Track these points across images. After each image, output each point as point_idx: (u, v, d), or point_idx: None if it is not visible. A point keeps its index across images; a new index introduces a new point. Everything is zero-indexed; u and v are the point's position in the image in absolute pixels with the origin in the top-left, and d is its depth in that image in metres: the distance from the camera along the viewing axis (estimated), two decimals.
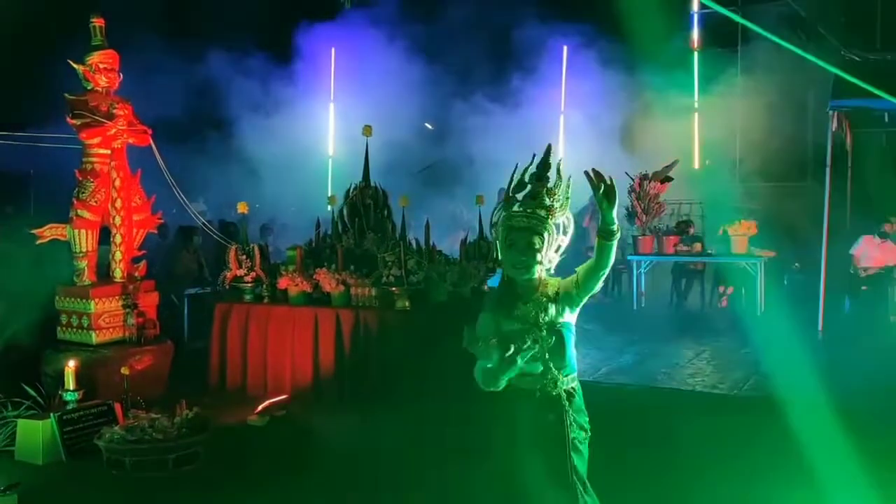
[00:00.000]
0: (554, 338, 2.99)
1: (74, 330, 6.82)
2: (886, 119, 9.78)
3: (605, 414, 6.28)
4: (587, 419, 3.12)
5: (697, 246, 11.62)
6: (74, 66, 6.95)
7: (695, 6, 17.79)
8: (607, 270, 3.01)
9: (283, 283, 7.29)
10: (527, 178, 3.07)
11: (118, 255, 7.05)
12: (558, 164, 3.09)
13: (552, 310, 3.01)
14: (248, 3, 15.87)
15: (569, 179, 3.09)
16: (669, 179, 12.32)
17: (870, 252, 10.52)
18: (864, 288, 10.39)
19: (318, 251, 7.70)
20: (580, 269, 3.04)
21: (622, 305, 12.23)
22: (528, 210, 3.02)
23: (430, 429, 5.69)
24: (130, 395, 5.89)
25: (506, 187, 3.11)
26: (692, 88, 17.99)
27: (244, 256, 7.36)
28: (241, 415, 6.34)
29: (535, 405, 3.00)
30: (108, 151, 6.95)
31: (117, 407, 5.79)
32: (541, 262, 3.04)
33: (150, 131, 7.10)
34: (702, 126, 17.96)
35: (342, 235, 7.72)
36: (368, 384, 6.70)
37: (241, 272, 7.36)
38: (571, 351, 3.08)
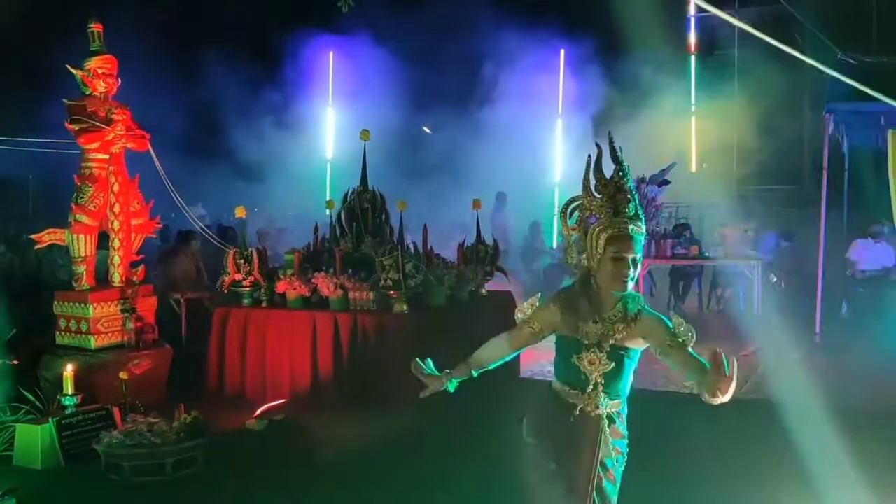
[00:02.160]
0: (613, 364, 2.82)
1: (73, 334, 6.83)
2: (882, 122, 9.78)
3: None
4: (626, 445, 2.97)
5: (694, 249, 11.63)
6: (73, 71, 6.97)
7: (691, 10, 17.84)
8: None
9: (281, 287, 7.30)
10: (609, 176, 2.83)
11: (116, 260, 7.06)
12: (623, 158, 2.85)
13: (623, 333, 2.81)
14: (245, 9, 15.90)
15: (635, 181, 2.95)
16: (667, 182, 12.34)
17: (865, 254, 10.58)
18: (860, 290, 10.41)
19: (317, 255, 7.72)
20: (685, 350, 2.83)
21: None
22: (627, 216, 2.79)
23: (429, 432, 5.71)
24: (129, 400, 5.89)
25: (586, 180, 2.86)
26: (689, 92, 18.03)
27: (242, 261, 7.37)
28: (239, 419, 6.33)
29: (572, 420, 2.85)
30: (107, 156, 6.97)
31: (116, 411, 5.80)
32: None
33: (148, 136, 7.12)
34: (699, 129, 18.01)
35: (340, 239, 7.74)
36: (367, 388, 6.71)
37: (239, 276, 7.36)
38: (628, 378, 2.91)
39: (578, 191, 2.94)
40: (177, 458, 5.16)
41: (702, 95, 18.02)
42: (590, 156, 2.88)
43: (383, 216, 7.87)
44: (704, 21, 17.83)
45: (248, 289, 7.38)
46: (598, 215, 2.83)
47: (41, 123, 11.96)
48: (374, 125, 8.33)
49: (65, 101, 6.97)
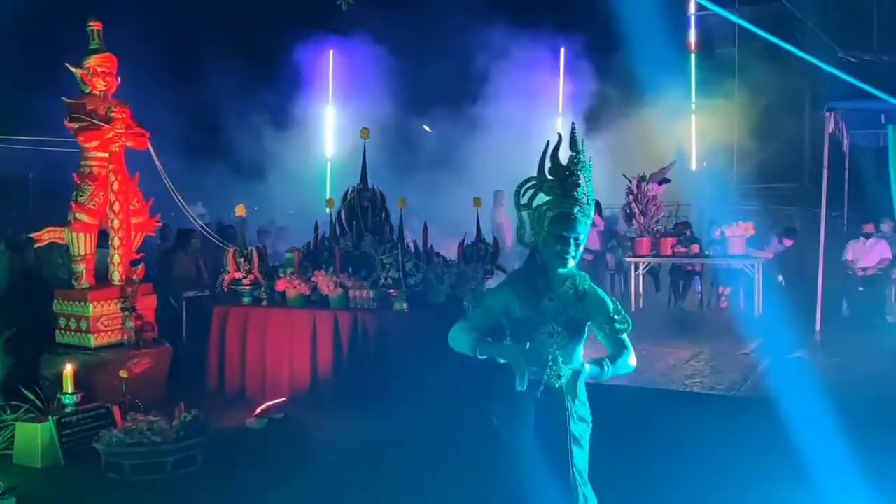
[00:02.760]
0: (569, 335, 3.00)
1: (73, 333, 6.82)
2: (883, 120, 9.78)
3: (603, 416, 6.34)
4: (589, 411, 3.13)
5: (695, 247, 11.63)
6: (72, 69, 6.95)
7: (692, 8, 17.83)
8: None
9: (281, 285, 7.29)
10: (563, 161, 2.99)
11: (116, 259, 7.05)
12: (581, 146, 3.01)
13: (576, 308, 3.00)
14: (245, 8, 15.89)
15: (590, 160, 3.02)
16: (667, 181, 12.35)
17: (860, 254, 10.60)
18: (860, 289, 10.42)
19: (317, 254, 7.71)
20: (619, 337, 3.10)
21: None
22: (573, 199, 2.94)
23: (429, 430, 5.70)
24: (129, 398, 5.88)
25: (540, 166, 3.02)
26: (689, 90, 18.03)
27: (242, 259, 7.37)
28: (239, 417, 6.33)
29: (539, 395, 3.00)
30: (107, 155, 6.95)
31: (116, 410, 5.79)
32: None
33: (147, 134, 7.10)
34: (699, 128, 18.01)
35: (340, 238, 7.73)
36: (366, 386, 6.70)
37: (239, 275, 7.36)
38: (580, 350, 3.09)
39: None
40: (177, 456, 5.15)
41: (702, 94, 18.03)
42: (549, 141, 3.02)
43: (383, 214, 7.85)
44: (704, 20, 17.83)
45: (248, 287, 7.38)
46: (547, 195, 3.00)
47: (41, 122, 11.96)
48: (373, 123, 8.31)
49: (64, 99, 6.95)
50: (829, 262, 9.74)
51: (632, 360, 3.06)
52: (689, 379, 7.55)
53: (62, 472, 5.35)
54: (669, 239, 11.80)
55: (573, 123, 3.06)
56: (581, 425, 3.08)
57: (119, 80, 7.09)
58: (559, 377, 2.95)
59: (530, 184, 3.04)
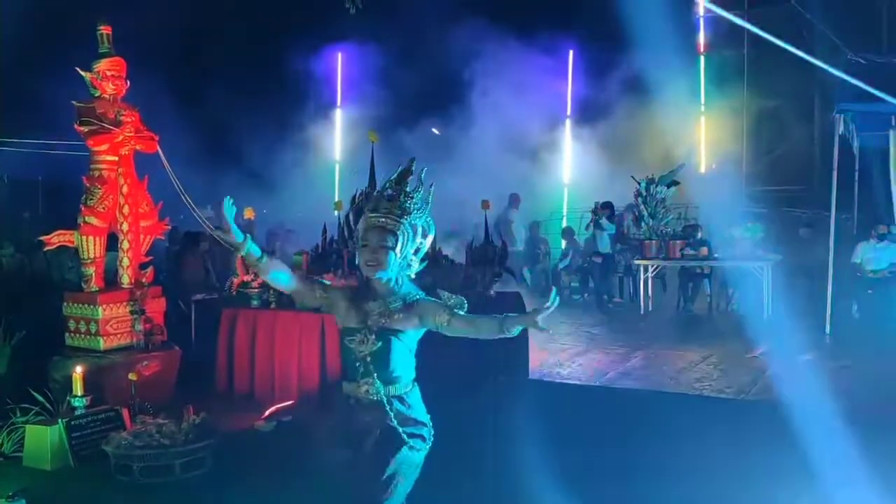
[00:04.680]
0: (380, 343, 3.04)
1: (82, 336, 6.83)
2: (893, 122, 9.72)
3: (612, 419, 6.33)
4: (426, 430, 3.16)
5: (704, 250, 11.60)
6: (82, 73, 6.97)
7: (700, 9, 17.80)
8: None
9: None
10: (387, 185, 3.17)
11: (126, 262, 7.07)
12: (422, 173, 3.20)
13: (396, 317, 3.05)
14: (254, 12, 15.94)
15: (430, 186, 3.19)
16: (676, 183, 12.32)
17: (870, 256, 10.54)
18: (870, 291, 10.37)
19: (325, 256, 7.72)
20: (461, 315, 3.05)
21: (629, 309, 12.21)
22: (384, 211, 3.09)
23: (436, 432, 5.69)
24: (138, 401, 5.91)
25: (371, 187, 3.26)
26: (698, 92, 17.99)
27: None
28: (247, 420, 6.36)
29: (355, 407, 3.08)
30: (116, 158, 6.97)
31: (125, 412, 5.81)
32: (395, 263, 3.08)
33: (157, 138, 7.12)
34: (708, 130, 17.97)
35: (348, 240, 7.73)
36: None
37: (248, 278, 7.38)
38: (401, 360, 3.10)
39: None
40: (185, 459, 5.16)
41: (711, 96, 17.99)
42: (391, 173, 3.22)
43: None
44: (713, 21, 17.79)
45: (256, 290, 7.40)
46: (366, 211, 3.19)
47: (50, 125, 12.01)
48: (381, 126, 8.32)
49: (74, 102, 6.98)
50: (838, 265, 9.69)
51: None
52: (698, 382, 7.52)
53: (71, 474, 5.37)
54: (678, 241, 11.77)
55: (412, 158, 3.27)
56: (414, 442, 3.09)
57: (128, 83, 7.11)
58: (371, 391, 3.04)
59: (358, 204, 3.29)
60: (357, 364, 3.06)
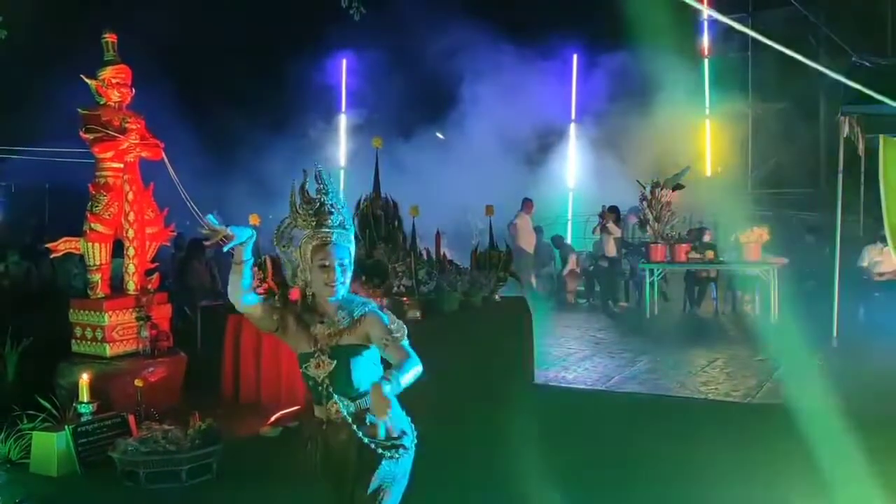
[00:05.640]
0: (335, 362, 2.91)
1: (88, 342, 6.85)
2: None
3: (618, 423, 6.33)
4: (407, 438, 2.99)
5: (710, 253, 11.58)
6: (87, 81, 7.00)
7: (705, 13, 17.80)
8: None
9: (294, 294, 7.28)
10: (313, 195, 3.00)
11: (131, 268, 7.09)
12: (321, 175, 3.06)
13: (346, 335, 2.92)
14: (259, 18, 15.99)
15: (344, 198, 3.07)
16: (681, 187, 12.31)
17: (877, 259, 10.51)
18: (877, 294, 10.33)
19: None
20: (399, 344, 2.86)
21: (635, 313, 12.19)
22: (335, 224, 2.97)
23: (441, 438, 5.68)
24: (144, 407, 5.91)
25: (292, 202, 3.02)
26: (703, 95, 17.97)
27: (256, 268, 7.38)
28: (253, 426, 6.36)
29: (328, 430, 2.96)
30: (121, 165, 7.00)
31: (131, 419, 5.81)
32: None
33: (162, 145, 7.14)
34: (713, 133, 17.95)
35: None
36: None
37: (253, 284, 7.37)
38: (365, 374, 2.95)
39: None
40: (192, 465, 5.17)
41: (716, 99, 17.97)
42: (294, 180, 3.05)
43: (396, 223, 7.86)
44: (717, 24, 17.77)
45: (261, 296, 7.38)
46: (304, 229, 3.01)
47: (57, 133, 12.06)
48: (385, 131, 8.33)
49: (79, 110, 7.01)
50: (845, 268, 9.65)
51: (416, 361, 2.80)
52: (704, 386, 7.51)
53: (78, 480, 5.37)
54: (684, 245, 11.76)
55: (316, 162, 3.15)
56: (385, 452, 2.92)
57: (133, 91, 7.14)
58: (338, 411, 2.90)
59: (286, 222, 3.05)
60: (318, 388, 2.93)
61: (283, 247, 3.06)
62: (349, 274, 2.98)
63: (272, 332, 3.06)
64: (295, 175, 3.11)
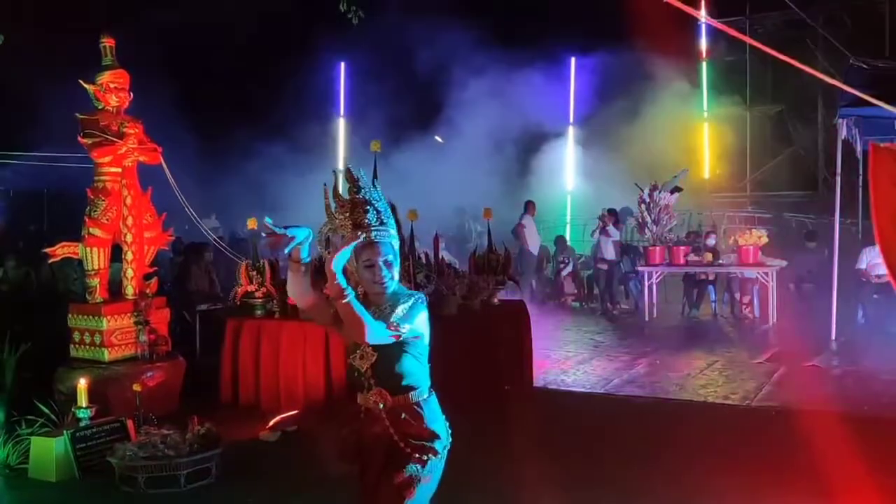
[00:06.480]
0: (377, 354, 2.94)
1: (87, 347, 6.85)
2: None
3: (617, 425, 6.32)
4: (440, 443, 2.99)
5: (708, 256, 11.58)
6: (85, 85, 7.00)
7: (703, 16, 17.83)
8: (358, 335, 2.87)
9: (293, 298, 7.29)
10: (346, 196, 3.02)
11: (130, 272, 7.09)
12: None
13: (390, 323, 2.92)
14: (257, 21, 16.00)
15: (378, 185, 3.07)
16: (679, 189, 12.32)
17: (876, 261, 10.50)
18: (875, 296, 10.33)
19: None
20: (388, 322, 2.90)
21: (634, 316, 12.19)
22: (372, 222, 2.98)
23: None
24: (142, 412, 5.90)
25: (327, 206, 3.04)
26: (701, 98, 18.01)
27: (255, 272, 7.39)
28: (252, 430, 6.35)
29: (365, 419, 3.01)
30: (119, 170, 7.00)
31: (130, 423, 5.80)
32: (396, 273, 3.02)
33: (160, 149, 7.14)
34: (711, 135, 17.98)
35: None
36: None
37: (251, 288, 7.38)
38: (408, 369, 3.00)
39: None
40: (190, 469, 5.16)
41: (714, 101, 18.00)
42: (325, 184, 3.09)
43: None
44: (716, 27, 17.80)
45: (260, 300, 7.40)
46: (342, 233, 3.03)
47: (55, 137, 12.07)
48: (384, 135, 8.34)
49: (77, 115, 7.01)
50: (843, 270, 9.66)
51: (375, 326, 2.83)
52: (703, 388, 7.50)
53: (77, 485, 5.36)
54: (682, 248, 11.76)
55: (348, 163, 3.18)
56: (426, 457, 2.94)
57: (132, 95, 7.14)
58: (379, 402, 2.95)
59: (327, 228, 3.08)
60: (361, 379, 2.98)
61: (329, 252, 3.03)
62: (396, 268, 3.02)
63: (328, 325, 3.07)
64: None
